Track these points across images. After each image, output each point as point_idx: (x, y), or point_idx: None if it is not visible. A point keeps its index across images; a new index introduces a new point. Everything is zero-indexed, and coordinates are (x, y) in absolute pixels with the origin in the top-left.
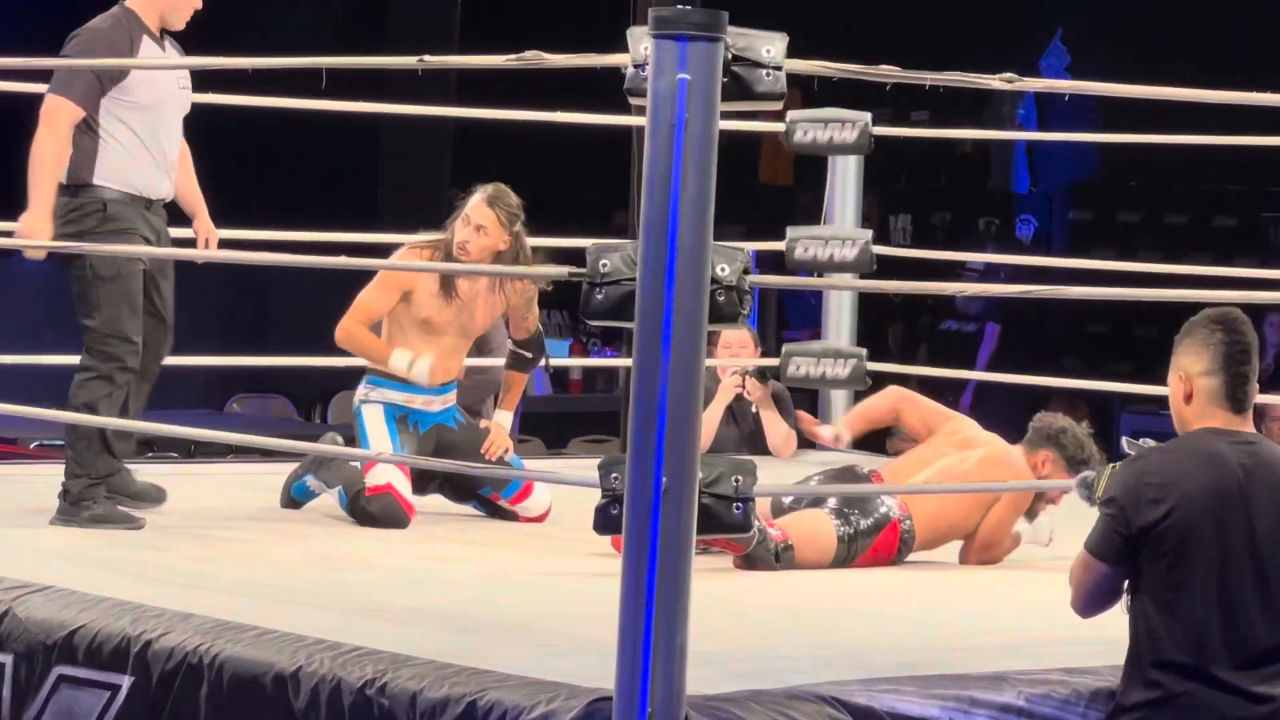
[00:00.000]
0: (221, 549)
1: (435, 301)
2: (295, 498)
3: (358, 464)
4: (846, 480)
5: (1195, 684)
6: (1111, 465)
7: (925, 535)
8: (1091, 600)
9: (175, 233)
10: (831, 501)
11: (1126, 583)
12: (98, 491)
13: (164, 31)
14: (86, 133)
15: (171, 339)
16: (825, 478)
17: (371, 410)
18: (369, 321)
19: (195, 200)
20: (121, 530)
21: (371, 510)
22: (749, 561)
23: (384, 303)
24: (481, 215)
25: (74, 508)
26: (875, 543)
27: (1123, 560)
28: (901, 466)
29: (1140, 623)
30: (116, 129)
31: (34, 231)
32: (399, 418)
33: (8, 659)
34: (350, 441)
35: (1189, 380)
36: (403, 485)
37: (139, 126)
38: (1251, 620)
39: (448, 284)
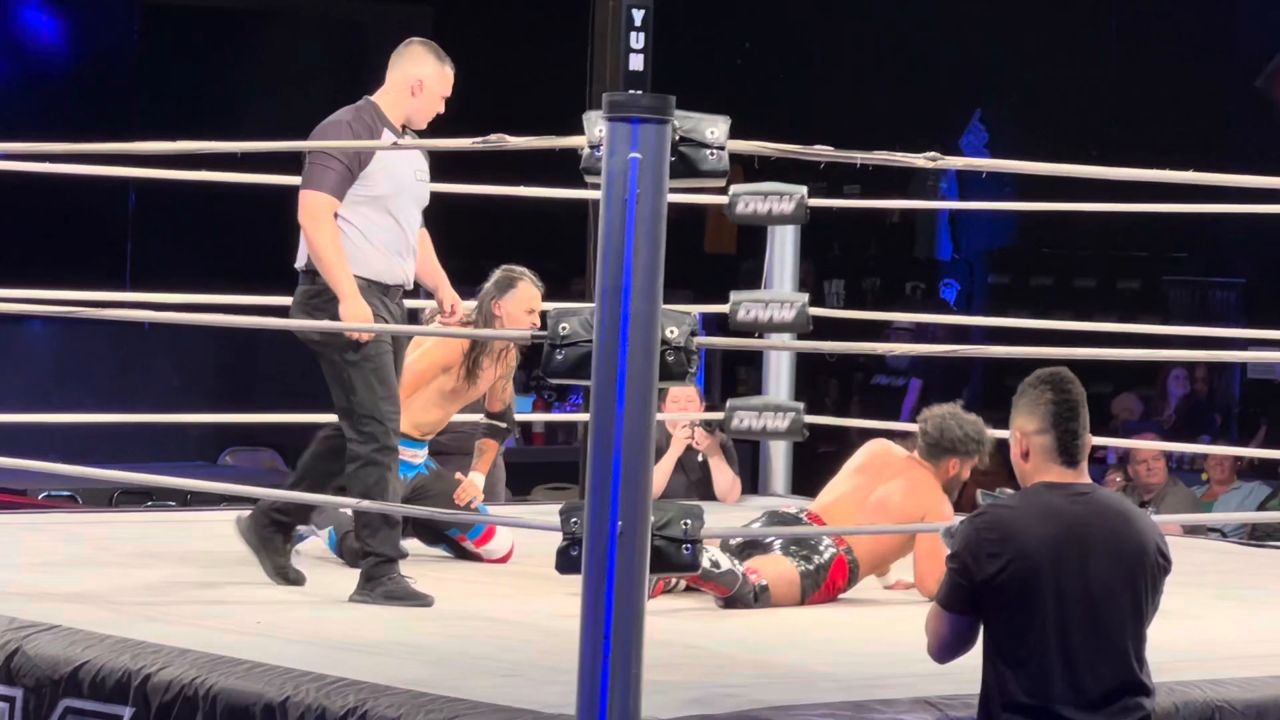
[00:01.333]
0: (214, 590)
1: (460, 378)
2: None
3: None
4: (787, 524)
5: None
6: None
7: (868, 562)
8: (945, 647)
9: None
10: (777, 546)
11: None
12: (388, 569)
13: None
14: None
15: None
16: (767, 520)
17: None
18: (415, 387)
19: (436, 275)
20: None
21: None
22: (731, 602)
23: (430, 374)
24: (538, 300)
25: (368, 584)
26: (830, 575)
27: (969, 610)
28: (833, 506)
29: (989, 666)
30: (357, 217)
31: (356, 317)
32: None
33: (18, 693)
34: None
35: (1025, 439)
36: None
37: (378, 214)
38: (1090, 664)
39: (473, 371)
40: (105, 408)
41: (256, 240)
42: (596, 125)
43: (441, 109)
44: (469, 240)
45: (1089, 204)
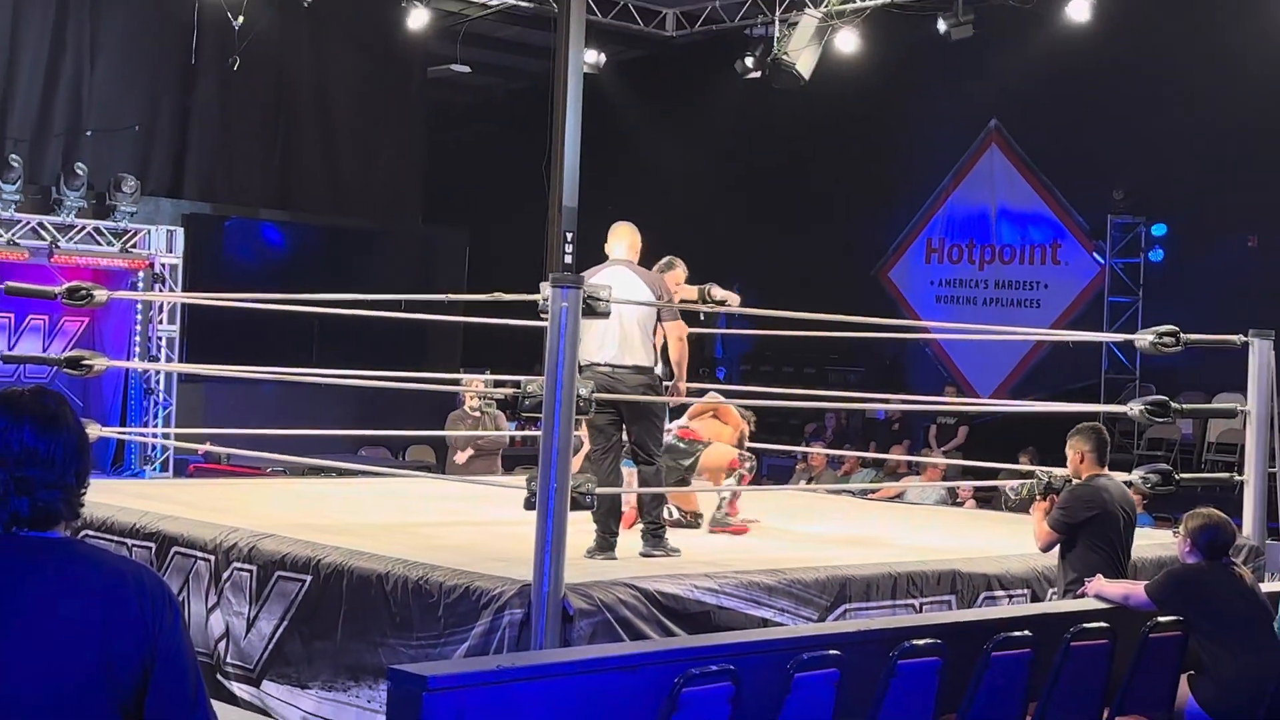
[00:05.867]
0: (356, 517)
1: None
2: None
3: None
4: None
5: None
6: (1035, 480)
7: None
8: (1047, 548)
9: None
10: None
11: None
12: (663, 530)
13: None
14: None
15: None
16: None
17: None
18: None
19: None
20: None
21: None
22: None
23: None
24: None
25: (652, 539)
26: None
27: (1064, 533)
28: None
29: (1069, 562)
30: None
31: (680, 394)
32: None
33: (253, 568)
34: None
35: (1081, 453)
36: None
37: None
38: (1120, 564)
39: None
40: (301, 426)
41: (382, 343)
42: (546, 289)
43: None
44: (486, 348)
45: (789, 330)
